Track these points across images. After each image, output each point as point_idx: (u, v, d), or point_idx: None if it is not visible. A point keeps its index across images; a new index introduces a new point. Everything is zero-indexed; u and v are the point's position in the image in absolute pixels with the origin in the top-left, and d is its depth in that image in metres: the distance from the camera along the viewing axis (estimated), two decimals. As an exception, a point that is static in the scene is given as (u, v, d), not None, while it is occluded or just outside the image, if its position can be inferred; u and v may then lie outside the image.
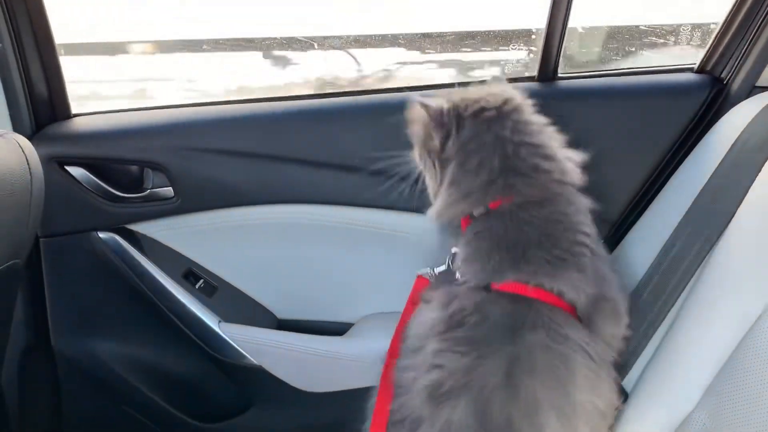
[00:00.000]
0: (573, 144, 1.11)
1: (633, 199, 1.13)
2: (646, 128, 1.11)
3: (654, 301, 0.89)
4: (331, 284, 1.23)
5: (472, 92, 0.85)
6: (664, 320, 0.87)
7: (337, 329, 1.23)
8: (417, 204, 1.11)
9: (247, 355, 1.17)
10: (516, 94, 0.85)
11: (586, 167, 1.11)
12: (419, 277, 0.87)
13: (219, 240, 1.22)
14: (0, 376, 1.15)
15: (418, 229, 1.14)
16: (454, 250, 0.82)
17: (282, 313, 1.28)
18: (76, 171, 1.14)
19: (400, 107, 1.13)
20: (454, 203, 0.81)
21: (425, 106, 0.82)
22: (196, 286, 1.23)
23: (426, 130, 0.84)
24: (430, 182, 0.87)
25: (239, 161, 1.13)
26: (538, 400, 0.70)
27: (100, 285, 1.23)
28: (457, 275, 0.80)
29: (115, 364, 1.27)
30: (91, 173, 1.15)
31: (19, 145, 0.90)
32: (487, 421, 0.69)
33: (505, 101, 0.83)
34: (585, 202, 0.83)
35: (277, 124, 1.15)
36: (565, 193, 0.82)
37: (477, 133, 0.80)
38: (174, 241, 1.22)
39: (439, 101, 0.83)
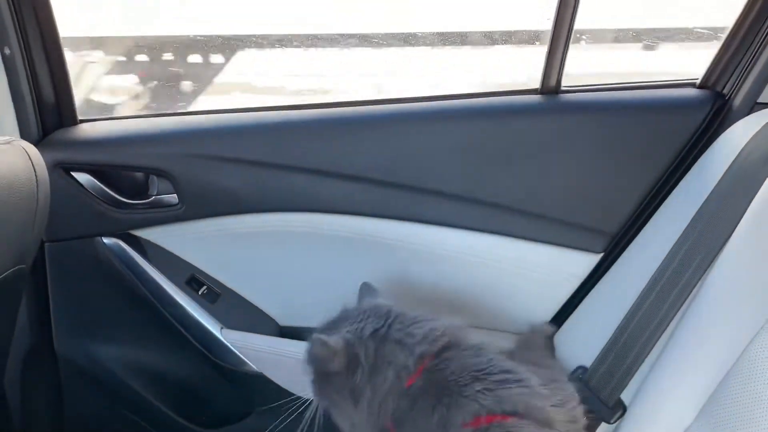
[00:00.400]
0: (575, 157, 1.13)
1: (634, 212, 1.13)
2: (648, 142, 1.11)
3: (653, 314, 0.90)
4: (332, 293, 1.22)
5: (351, 315, 0.92)
6: (663, 333, 0.88)
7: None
8: (420, 213, 1.14)
9: (248, 361, 1.18)
10: (385, 300, 0.94)
11: (588, 180, 1.13)
12: None
13: (222, 247, 1.22)
14: (3, 378, 1.16)
15: (421, 238, 1.15)
16: None
17: (284, 320, 1.29)
18: (81, 177, 1.16)
19: (406, 118, 1.15)
20: (379, 413, 0.84)
21: (328, 345, 0.85)
22: (199, 293, 1.23)
23: (333, 366, 0.86)
24: (340, 417, 0.90)
25: (244, 169, 1.14)
26: None
27: (103, 290, 1.24)
28: None
29: (118, 368, 1.28)
30: (96, 179, 1.16)
31: (26, 152, 0.91)
32: None
33: (387, 310, 0.90)
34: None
35: (282, 133, 1.15)
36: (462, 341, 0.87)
37: (379, 348, 0.85)
38: (178, 248, 1.23)
39: (333, 338, 0.86)
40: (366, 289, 1.02)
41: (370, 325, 0.87)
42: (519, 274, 1.13)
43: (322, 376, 0.90)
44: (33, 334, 1.27)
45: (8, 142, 0.90)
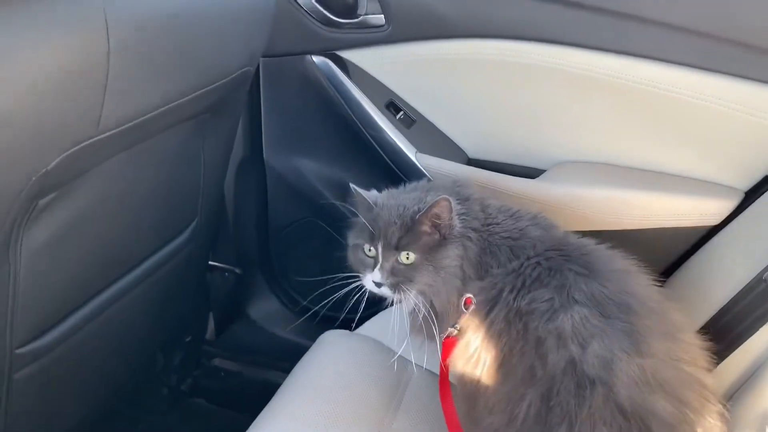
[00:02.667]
0: None
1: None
2: None
3: None
4: (527, 127, 1.22)
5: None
6: None
7: (527, 174, 1.23)
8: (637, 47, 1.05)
9: (439, 186, 1.22)
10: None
11: None
12: (446, 339, 0.89)
13: (421, 74, 1.24)
14: (223, 181, 1.31)
15: (635, 76, 1.06)
16: (467, 296, 0.87)
17: (473, 152, 1.31)
18: (295, -7, 1.19)
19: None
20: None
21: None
22: (397, 117, 1.27)
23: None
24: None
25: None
26: None
27: (309, 107, 1.32)
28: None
29: (316, 181, 1.40)
30: (309, -4, 1.20)
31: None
32: None
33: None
34: None
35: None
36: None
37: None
38: (380, 72, 1.26)
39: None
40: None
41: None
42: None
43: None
44: (246, 145, 1.41)
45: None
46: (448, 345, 0.90)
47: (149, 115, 0.80)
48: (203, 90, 0.91)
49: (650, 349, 0.73)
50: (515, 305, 0.81)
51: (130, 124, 0.77)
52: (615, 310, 0.76)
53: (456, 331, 0.89)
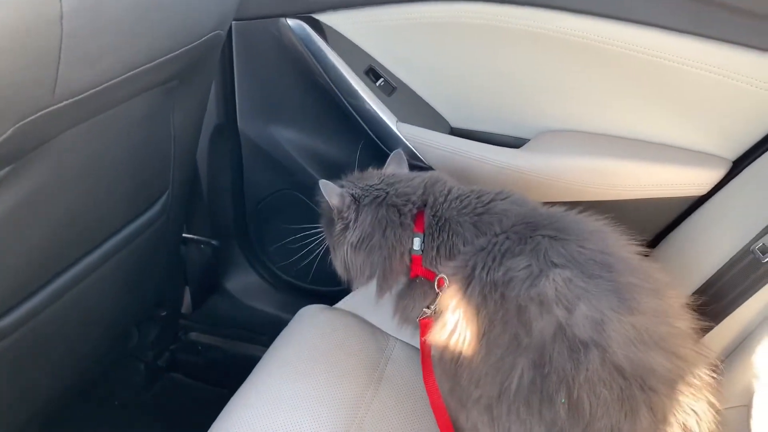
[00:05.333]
0: None
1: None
2: None
3: None
4: (510, 96, 1.18)
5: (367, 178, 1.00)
6: None
7: (511, 143, 1.20)
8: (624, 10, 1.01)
9: (420, 156, 1.19)
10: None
11: None
12: (422, 320, 0.89)
13: (402, 39, 1.19)
14: (196, 150, 1.26)
15: (619, 41, 1.02)
16: (440, 276, 0.86)
17: (455, 121, 1.27)
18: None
19: None
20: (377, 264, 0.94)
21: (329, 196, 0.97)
22: (377, 84, 1.23)
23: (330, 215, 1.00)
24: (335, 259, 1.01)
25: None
26: None
27: (285, 73, 1.27)
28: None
29: (293, 151, 1.35)
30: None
31: None
32: None
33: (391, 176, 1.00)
34: None
35: None
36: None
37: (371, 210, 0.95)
38: (358, 37, 1.21)
39: (340, 191, 0.96)
40: (396, 158, 1.07)
41: (373, 193, 0.96)
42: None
43: (326, 218, 1.01)
44: (219, 113, 1.35)
45: None
46: (424, 326, 0.89)
47: (110, 83, 0.75)
48: (170, 55, 0.85)
49: (639, 307, 0.72)
50: (489, 279, 0.80)
51: (90, 92, 0.72)
52: (598, 270, 0.75)
53: (431, 312, 0.88)
